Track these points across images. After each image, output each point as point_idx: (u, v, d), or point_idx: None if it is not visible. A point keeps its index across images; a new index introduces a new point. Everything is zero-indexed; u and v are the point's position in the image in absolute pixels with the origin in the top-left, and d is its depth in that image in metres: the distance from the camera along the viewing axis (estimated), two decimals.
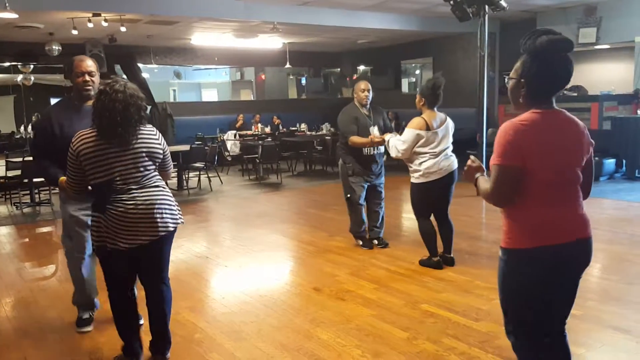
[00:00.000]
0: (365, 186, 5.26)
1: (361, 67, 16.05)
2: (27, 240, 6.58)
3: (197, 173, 9.74)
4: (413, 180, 4.57)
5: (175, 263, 5.13)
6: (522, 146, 2.00)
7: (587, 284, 4.28)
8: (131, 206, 2.78)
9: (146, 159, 2.86)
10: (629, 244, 5.26)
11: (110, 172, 2.77)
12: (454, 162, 4.55)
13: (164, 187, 2.96)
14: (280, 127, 13.62)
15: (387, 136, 4.81)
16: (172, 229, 2.92)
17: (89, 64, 3.35)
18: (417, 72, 14.86)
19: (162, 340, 3.05)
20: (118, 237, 2.79)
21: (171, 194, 3.00)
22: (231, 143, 11.97)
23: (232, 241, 5.96)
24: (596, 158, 8.85)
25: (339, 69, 16.85)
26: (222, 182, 10.11)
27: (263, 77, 18.79)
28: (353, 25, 10.26)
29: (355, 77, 15.90)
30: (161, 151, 2.95)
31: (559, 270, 2.10)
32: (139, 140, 2.84)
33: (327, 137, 11.28)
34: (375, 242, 5.36)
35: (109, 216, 2.78)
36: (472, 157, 2.33)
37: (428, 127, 4.42)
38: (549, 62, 2.05)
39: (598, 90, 10.34)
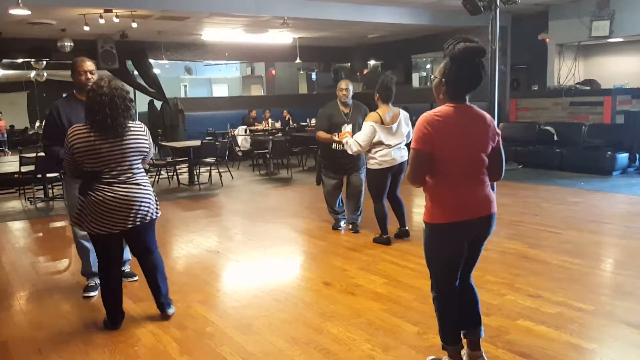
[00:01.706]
0: (337, 178, 5.71)
1: (372, 62, 15.99)
2: (40, 234, 6.66)
3: (208, 168, 9.79)
4: (369, 166, 5.15)
5: (186, 257, 5.18)
6: (433, 135, 2.41)
7: (600, 279, 4.25)
8: (110, 197, 3.18)
9: (134, 154, 3.25)
10: None
11: (100, 164, 3.16)
12: (405, 155, 5.08)
13: (144, 185, 3.34)
14: (291, 122, 13.63)
15: (344, 138, 5.20)
16: (147, 220, 3.35)
17: (89, 64, 3.93)
18: (428, 66, 14.79)
19: (158, 296, 3.56)
20: (92, 222, 3.22)
21: (150, 189, 3.41)
22: (242, 138, 12.01)
23: (243, 236, 5.99)
24: (609, 152, 8.77)
25: (349, 64, 16.79)
26: (232, 177, 10.15)
27: (273, 72, 18.79)
28: (363, 19, 10.22)
29: (365, 71, 15.85)
30: (148, 146, 3.35)
31: (465, 240, 2.58)
32: (129, 135, 3.22)
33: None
34: (350, 226, 5.83)
35: (88, 201, 3.19)
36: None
37: (382, 121, 4.95)
38: (464, 67, 2.44)
39: (611, 83, 10.23)
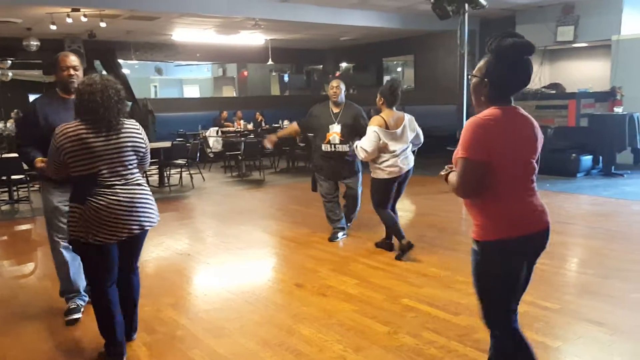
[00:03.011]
0: (330, 182, 5.48)
1: (344, 64, 16.09)
2: (5, 238, 6.49)
3: (179, 170, 9.69)
4: (374, 176, 4.86)
5: (156, 260, 5.12)
6: (488, 141, 2.11)
7: (564, 278, 4.37)
8: (114, 201, 2.83)
9: (131, 153, 2.93)
10: (606, 238, 5.37)
11: (95, 166, 2.82)
12: (411, 162, 4.87)
13: (145, 186, 3.03)
14: (263, 124, 13.60)
15: (357, 142, 4.91)
16: (147, 228, 3.01)
17: (73, 59, 3.51)
18: (399, 69, 14.95)
19: (130, 322, 3.18)
20: (94, 231, 2.81)
21: (150, 193, 3.07)
22: (213, 139, 11.93)
23: (215, 238, 5.95)
24: (573, 155, 9.01)
25: (321, 66, 16.87)
26: (204, 179, 10.07)
27: (245, 73, 18.73)
28: (336, 22, 10.29)
29: (337, 74, 15.92)
30: (144, 145, 3.04)
31: (525, 257, 2.26)
32: (124, 132, 2.91)
33: (309, 134, 11.29)
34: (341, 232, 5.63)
35: (88, 208, 2.80)
36: (447, 167, 2.37)
37: (387, 125, 4.69)
38: (512, 64, 2.16)
39: (575, 87, 10.51)
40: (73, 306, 3.65)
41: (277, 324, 3.51)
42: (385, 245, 5.10)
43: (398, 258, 4.78)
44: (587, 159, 9.14)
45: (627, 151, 9.04)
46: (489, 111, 2.17)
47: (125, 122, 2.95)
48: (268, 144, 5.61)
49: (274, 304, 3.90)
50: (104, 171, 2.84)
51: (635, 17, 9.84)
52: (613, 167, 9.09)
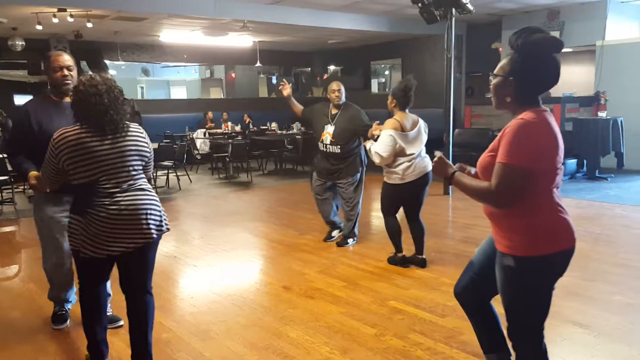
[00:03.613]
0: (324, 182, 5.44)
1: (332, 67, 16.12)
2: None
3: (166, 172, 9.64)
4: (388, 180, 4.58)
5: None
6: (535, 147, 1.95)
7: None
8: (114, 211, 2.60)
9: (135, 157, 2.71)
10: (590, 241, 5.43)
11: (96, 173, 2.60)
12: (428, 164, 4.56)
13: (149, 190, 2.77)
14: (251, 126, 13.58)
15: (367, 143, 4.68)
16: (155, 236, 2.74)
17: (66, 58, 3.27)
18: (387, 72, 15.01)
19: (142, 351, 2.86)
20: (97, 245, 2.62)
21: (157, 198, 2.83)
22: (201, 141, 11.87)
23: (201, 240, 5.92)
24: None
25: (309, 69, 16.88)
26: (191, 181, 10.02)
27: (233, 75, 18.67)
28: (323, 25, 10.31)
29: (325, 76, 15.96)
30: (149, 150, 2.81)
31: (561, 273, 2.12)
32: (129, 137, 2.70)
33: (297, 137, 11.29)
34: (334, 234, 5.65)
35: (89, 221, 2.61)
36: (438, 152, 2.29)
37: (402, 128, 4.45)
38: (540, 61, 2.01)
39: (560, 92, 10.62)
40: (62, 312, 3.56)
41: (264, 327, 3.51)
42: (420, 261, 4.70)
43: (390, 262, 4.76)
44: (571, 163, 9.25)
45: (611, 155, 9.15)
46: (533, 114, 1.99)
47: (131, 126, 2.74)
48: (285, 90, 5.46)
49: (261, 306, 3.89)
50: (105, 179, 2.61)
51: (619, 23, 9.99)
52: (597, 171, 9.20)
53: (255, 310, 3.82)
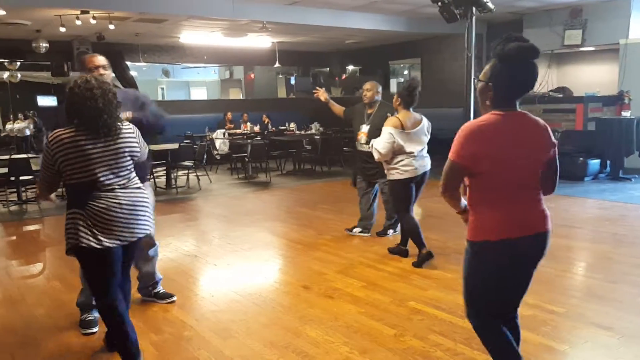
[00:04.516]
0: (362, 181, 5.64)
1: (350, 67, 16.10)
2: (14, 238, 6.54)
3: (186, 172, 9.73)
4: (390, 177, 4.79)
5: (163, 261, 5.12)
6: (475, 147, 2.17)
7: (571, 282, 4.36)
8: (115, 204, 2.75)
9: (128, 157, 2.84)
10: (612, 242, 5.35)
11: (92, 172, 2.71)
12: (427, 163, 4.78)
13: (144, 189, 2.98)
14: (270, 126, 13.64)
15: (373, 141, 4.84)
16: (148, 231, 2.95)
17: (100, 58, 3.47)
18: (406, 72, 14.96)
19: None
20: (99, 235, 2.71)
21: (148, 197, 3.01)
22: (220, 142, 11.97)
23: (221, 239, 5.97)
24: (580, 159, 8.98)
25: (328, 69, 16.89)
26: (210, 181, 10.11)
27: (252, 76, 18.78)
28: (341, 25, 10.31)
29: (344, 76, 15.95)
30: (139, 147, 2.93)
31: (517, 261, 2.29)
32: (121, 138, 2.81)
33: (316, 137, 11.31)
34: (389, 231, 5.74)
35: (89, 212, 2.71)
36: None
37: (403, 127, 4.62)
38: (516, 68, 2.17)
39: (583, 91, 10.48)
40: (90, 317, 3.55)
41: (284, 326, 3.52)
42: (400, 251, 4.98)
43: (416, 265, 4.66)
44: (594, 163, 9.11)
45: (635, 155, 9.00)
46: (486, 117, 2.22)
47: (122, 126, 2.86)
48: (321, 95, 5.62)
49: (281, 305, 3.91)
50: (103, 176, 2.74)
51: None
52: (621, 171, 9.05)
53: (274, 309, 3.84)
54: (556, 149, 2.30)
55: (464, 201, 2.41)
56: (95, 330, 3.51)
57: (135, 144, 2.90)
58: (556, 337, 3.27)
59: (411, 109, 4.71)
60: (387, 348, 3.16)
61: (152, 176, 9.60)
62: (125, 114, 3.27)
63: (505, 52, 2.16)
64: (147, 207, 2.93)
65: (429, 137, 4.83)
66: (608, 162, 9.25)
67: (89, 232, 2.71)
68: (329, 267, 4.76)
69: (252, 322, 3.60)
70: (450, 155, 2.23)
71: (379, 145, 4.64)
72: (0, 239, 6.41)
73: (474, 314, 2.42)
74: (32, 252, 5.78)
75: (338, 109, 5.70)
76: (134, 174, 2.92)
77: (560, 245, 5.33)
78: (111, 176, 2.77)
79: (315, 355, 3.10)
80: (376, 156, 4.72)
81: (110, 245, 2.74)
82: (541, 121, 2.29)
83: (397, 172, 4.69)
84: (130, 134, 2.89)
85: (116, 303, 2.83)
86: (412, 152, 4.63)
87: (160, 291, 4.04)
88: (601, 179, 9.18)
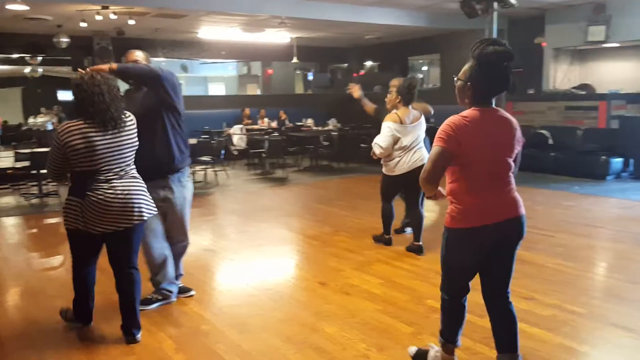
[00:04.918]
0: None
1: (368, 63, 16.02)
2: (35, 230, 6.64)
3: (204, 167, 9.78)
4: (383, 171, 5.02)
5: None
6: (459, 136, 2.35)
7: (591, 282, 4.29)
8: (111, 194, 3.00)
9: (130, 149, 3.11)
10: (634, 242, 5.25)
11: (97, 162, 2.97)
12: (424, 156, 4.82)
13: (139, 178, 3.19)
14: (287, 122, 13.64)
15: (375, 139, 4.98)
16: (145, 217, 3.16)
17: (138, 53, 3.69)
18: (425, 68, 14.84)
19: (131, 321, 3.23)
20: (94, 223, 3.01)
21: (145, 186, 3.21)
22: (237, 137, 12.01)
23: (238, 235, 5.99)
24: (603, 157, 8.83)
25: (346, 65, 16.82)
26: (228, 176, 10.15)
27: (270, 71, 18.79)
28: (360, 20, 10.25)
29: (362, 72, 15.87)
30: (136, 138, 3.15)
31: (486, 247, 2.48)
32: (125, 131, 3.07)
33: (333, 133, 11.29)
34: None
35: (87, 202, 2.98)
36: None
37: (401, 122, 4.78)
38: (492, 70, 2.39)
39: (606, 88, 10.29)
40: (159, 297, 3.81)
41: (300, 321, 3.52)
42: (416, 248, 5.01)
43: (375, 239, 5.26)
44: (617, 162, 8.94)
45: None
46: (468, 112, 2.42)
47: (126, 119, 3.10)
48: (355, 92, 5.60)
49: (297, 301, 3.92)
50: (105, 167, 3.00)
51: None
52: None
53: (291, 305, 3.84)
54: (522, 143, 2.54)
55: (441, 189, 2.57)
56: (148, 307, 3.72)
57: (135, 135, 3.14)
58: (576, 337, 3.23)
59: (410, 107, 4.86)
60: (404, 345, 3.14)
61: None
62: (109, 65, 3.27)
63: (483, 55, 2.37)
64: (142, 194, 3.14)
65: (423, 132, 4.96)
66: (631, 161, 9.07)
67: (86, 221, 3.01)
68: (346, 263, 4.75)
69: (269, 317, 3.61)
70: (437, 142, 2.38)
71: (380, 140, 4.79)
72: (22, 232, 6.51)
73: (446, 289, 2.71)
74: (52, 244, 5.87)
75: (370, 107, 5.61)
76: (132, 165, 3.16)
77: (581, 244, 5.26)
78: (112, 167, 3.03)
79: (332, 351, 3.09)
80: (378, 151, 4.84)
81: (105, 230, 3.03)
82: (512, 118, 2.51)
83: (392, 169, 4.90)
84: (132, 125, 3.14)
85: (86, 274, 3.32)
86: (407, 146, 4.80)
87: (180, 285, 4.07)
88: (624, 177, 9.01)
